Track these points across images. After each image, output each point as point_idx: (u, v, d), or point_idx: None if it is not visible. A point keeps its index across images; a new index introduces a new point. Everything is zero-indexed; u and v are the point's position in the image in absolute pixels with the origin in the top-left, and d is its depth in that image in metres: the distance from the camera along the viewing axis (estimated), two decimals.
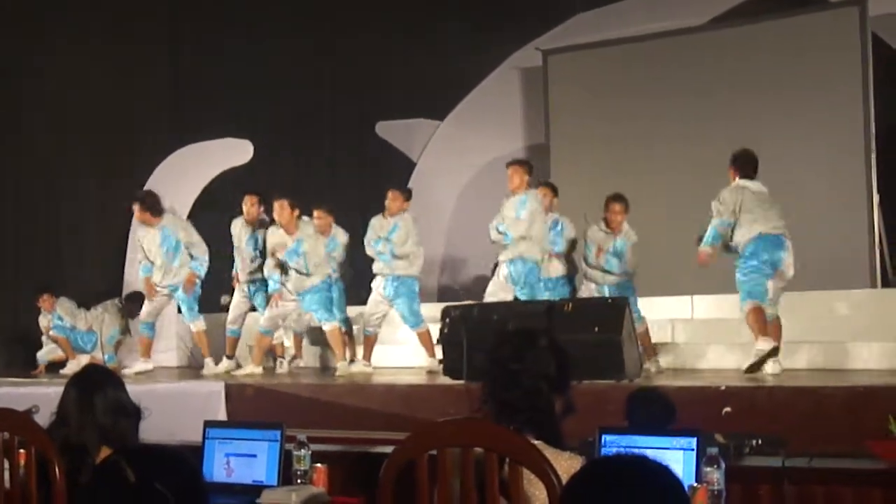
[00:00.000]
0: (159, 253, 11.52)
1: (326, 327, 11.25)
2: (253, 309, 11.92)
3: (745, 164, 9.76)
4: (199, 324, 11.78)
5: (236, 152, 14.36)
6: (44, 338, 13.14)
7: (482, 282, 13.29)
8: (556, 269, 11.12)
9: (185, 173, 14.12)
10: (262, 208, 11.79)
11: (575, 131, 14.14)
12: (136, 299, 12.89)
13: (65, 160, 14.04)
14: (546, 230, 10.75)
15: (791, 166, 12.43)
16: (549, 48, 14.51)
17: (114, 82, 14.05)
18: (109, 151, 14.19)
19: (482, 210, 14.33)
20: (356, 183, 15.61)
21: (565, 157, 13.98)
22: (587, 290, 10.63)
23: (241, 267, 11.86)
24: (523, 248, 10.40)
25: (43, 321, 13.10)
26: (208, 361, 11.69)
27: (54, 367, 12.92)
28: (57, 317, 12.95)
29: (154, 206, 11.52)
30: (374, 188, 15.57)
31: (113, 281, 13.95)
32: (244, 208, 11.83)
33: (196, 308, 11.75)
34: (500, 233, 10.51)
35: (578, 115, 14.15)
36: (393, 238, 11.03)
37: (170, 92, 14.89)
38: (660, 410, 5.67)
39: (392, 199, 11.15)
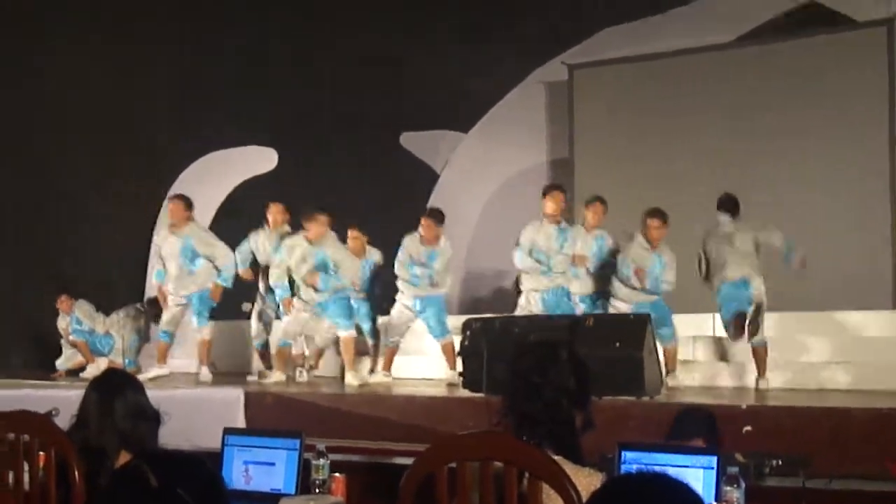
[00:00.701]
0: (176, 262, 11.45)
1: (342, 334, 11.23)
2: (278, 318, 11.94)
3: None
4: (205, 331, 11.70)
5: (261, 161, 14.40)
6: (62, 342, 13.16)
7: (503, 294, 13.30)
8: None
9: (209, 180, 14.15)
10: (287, 217, 11.79)
11: (599, 146, 14.13)
12: (157, 304, 12.91)
13: (88, 163, 14.06)
14: None
15: (814, 185, 12.43)
16: (575, 62, 14.50)
17: (118, 83, 14.07)
18: (133, 154, 14.24)
19: (505, 223, 14.33)
20: (380, 193, 15.61)
21: (589, 171, 13.97)
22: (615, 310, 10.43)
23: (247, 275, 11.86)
24: (562, 280, 10.48)
25: (62, 323, 13.12)
26: (204, 370, 11.56)
27: (73, 372, 12.94)
28: (75, 319, 12.97)
29: (191, 208, 11.53)
30: (397, 199, 15.67)
31: (134, 285, 13.98)
32: (269, 217, 11.82)
33: (206, 315, 11.70)
34: (536, 261, 10.49)
35: (603, 130, 14.14)
36: (434, 265, 11.03)
37: (191, 102, 14.90)
38: (706, 429, 5.63)
39: (426, 227, 11.11)
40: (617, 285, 10.42)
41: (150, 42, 14.58)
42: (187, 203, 11.46)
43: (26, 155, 13.87)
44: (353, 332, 11.26)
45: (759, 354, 9.98)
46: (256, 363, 12.40)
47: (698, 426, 5.66)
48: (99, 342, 13.03)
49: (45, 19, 13.75)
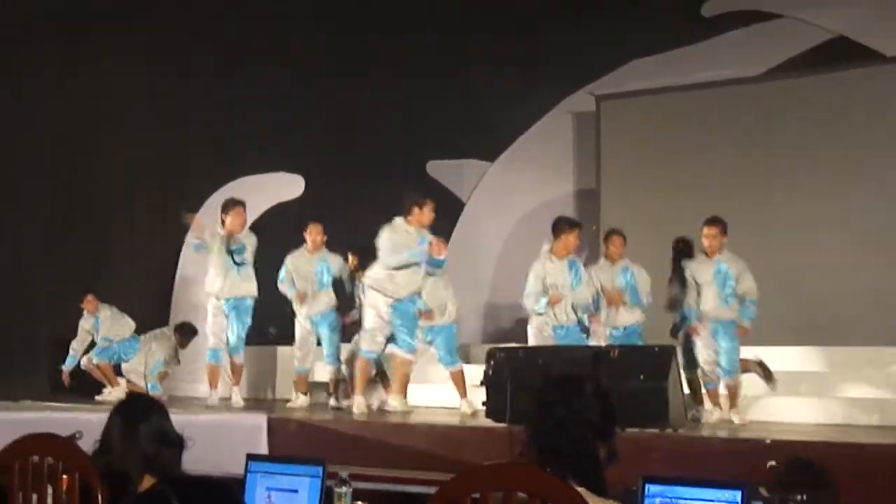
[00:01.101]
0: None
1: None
2: (318, 343, 11.98)
3: None
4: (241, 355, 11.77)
5: (288, 186, 14.44)
6: (74, 345, 13.10)
7: (526, 324, 13.28)
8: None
9: None
10: (325, 238, 11.87)
11: (626, 177, 14.11)
12: (187, 330, 12.95)
13: (115, 187, 14.14)
14: None
15: (844, 217, 12.38)
16: (603, 93, 14.51)
17: (154, 107, 14.16)
18: (160, 179, 14.32)
19: (530, 252, 14.32)
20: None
21: (615, 203, 13.95)
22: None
23: (302, 299, 11.86)
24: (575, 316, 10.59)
25: (85, 324, 13.09)
26: (236, 390, 11.62)
27: (87, 387, 12.93)
28: (97, 320, 12.96)
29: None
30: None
31: (160, 309, 14.00)
32: (308, 238, 11.86)
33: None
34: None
35: (630, 162, 14.13)
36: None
37: (218, 127, 14.97)
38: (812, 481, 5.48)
39: None
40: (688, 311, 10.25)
41: (186, 67, 14.67)
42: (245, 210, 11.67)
43: (77, 180, 13.99)
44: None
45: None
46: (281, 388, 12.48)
47: (803, 478, 5.51)
48: (123, 350, 13.00)
49: (87, 41, 13.86)
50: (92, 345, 13.08)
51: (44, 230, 13.94)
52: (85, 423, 5.02)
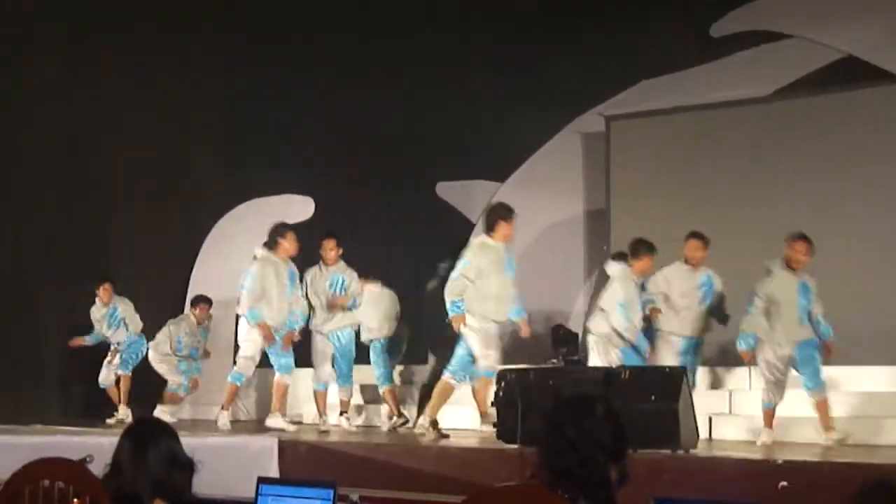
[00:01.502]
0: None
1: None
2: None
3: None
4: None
5: (298, 208, 14.46)
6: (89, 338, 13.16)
7: (536, 344, 13.26)
8: None
9: (246, 228, 14.20)
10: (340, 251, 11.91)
11: (636, 198, 14.10)
12: (197, 299, 13.26)
13: (120, 210, 14.17)
14: None
15: (853, 238, 12.35)
16: (612, 114, 14.51)
17: (167, 129, 14.21)
18: (168, 200, 14.36)
19: (540, 273, 14.35)
20: (413, 243, 15.68)
21: (625, 223, 13.92)
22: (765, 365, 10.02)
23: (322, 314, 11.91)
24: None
25: (96, 313, 13.09)
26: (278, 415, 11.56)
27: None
28: (113, 308, 12.99)
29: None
30: (432, 248, 15.69)
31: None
32: (324, 254, 11.96)
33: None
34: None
35: (640, 182, 14.11)
36: None
37: (228, 149, 15.01)
38: None
39: None
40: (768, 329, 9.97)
41: (200, 89, 14.73)
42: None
43: (81, 206, 14.02)
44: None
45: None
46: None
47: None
48: (132, 354, 13.01)
49: (88, 41, 13.92)
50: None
51: (50, 245, 13.96)
52: (96, 446, 5.01)
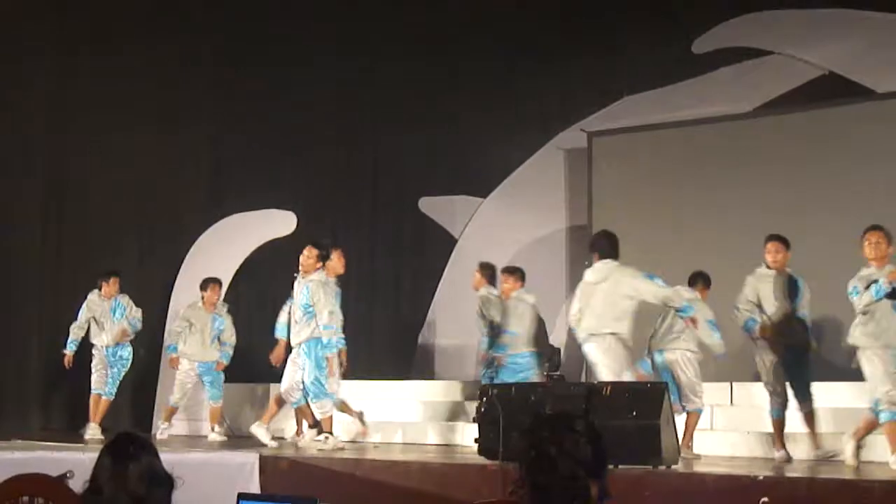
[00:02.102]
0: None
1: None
2: None
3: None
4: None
5: (279, 224, 14.45)
6: (77, 326, 12.96)
7: None
8: None
9: (228, 243, 14.20)
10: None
11: (617, 213, 14.11)
12: (204, 282, 13.11)
13: (102, 225, 14.15)
14: None
15: (835, 256, 12.37)
16: (595, 130, 14.56)
17: (153, 153, 14.20)
18: (149, 216, 14.34)
19: (523, 288, 14.35)
20: (395, 257, 15.70)
21: None
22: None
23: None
24: None
25: (95, 307, 12.90)
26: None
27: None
28: (121, 305, 12.87)
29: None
30: (413, 266, 15.72)
31: (153, 343, 13.93)
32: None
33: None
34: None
35: (621, 198, 14.15)
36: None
37: (211, 164, 15.01)
38: None
39: None
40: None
41: (182, 102, 14.72)
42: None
43: (67, 224, 14.01)
44: None
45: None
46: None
47: None
48: (119, 366, 12.94)
49: (89, 75, 13.96)
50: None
51: (33, 261, 13.94)
52: (77, 462, 5.01)
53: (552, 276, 14.78)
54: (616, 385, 9.59)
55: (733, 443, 10.61)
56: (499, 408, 9.01)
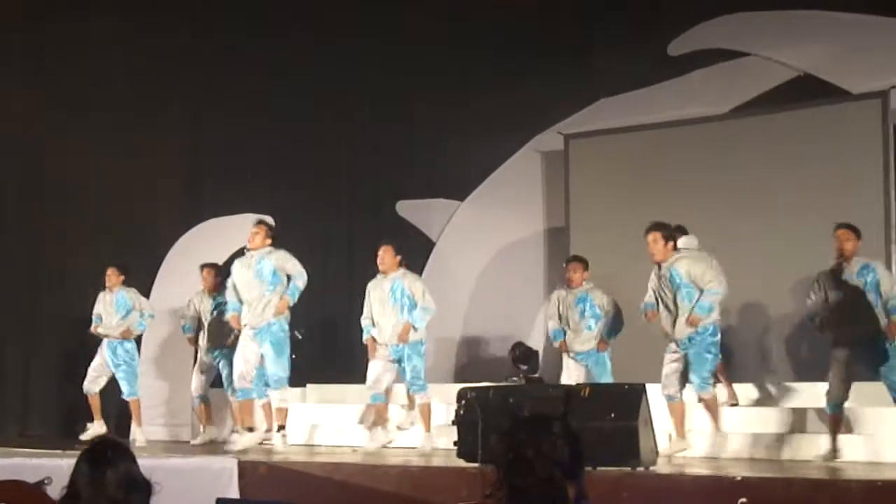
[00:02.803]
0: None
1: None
2: None
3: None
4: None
5: None
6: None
7: (499, 363, 13.30)
8: None
9: (205, 247, 14.16)
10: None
11: (595, 215, 14.16)
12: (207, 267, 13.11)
13: (79, 230, 14.10)
14: None
15: (811, 257, 12.42)
16: (571, 132, 14.57)
17: (131, 157, 14.16)
18: (129, 225, 14.29)
19: (501, 291, 14.39)
20: (372, 261, 15.68)
21: (584, 240, 13.98)
22: None
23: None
24: None
25: (99, 306, 12.67)
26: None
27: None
28: (121, 296, 12.62)
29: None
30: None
31: None
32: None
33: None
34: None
35: (598, 200, 14.18)
36: None
37: (188, 168, 14.96)
38: None
39: None
40: None
41: (170, 119, 14.69)
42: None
43: (43, 226, 13.95)
44: None
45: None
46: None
47: None
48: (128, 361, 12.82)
49: (66, 76, 13.90)
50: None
51: (9, 264, 13.88)
52: (55, 468, 4.99)
53: (530, 278, 14.81)
54: (594, 387, 9.63)
55: (712, 443, 10.61)
56: (477, 410, 9.02)
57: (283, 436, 11.36)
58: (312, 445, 12.27)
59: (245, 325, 11.20)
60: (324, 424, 12.65)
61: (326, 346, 14.66)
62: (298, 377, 12.47)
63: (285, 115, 14.77)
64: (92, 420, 12.66)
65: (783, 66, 13.61)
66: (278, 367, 11.19)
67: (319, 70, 14.83)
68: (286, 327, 11.31)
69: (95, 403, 12.68)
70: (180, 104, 14.76)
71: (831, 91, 13.15)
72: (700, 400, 10.19)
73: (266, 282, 11.17)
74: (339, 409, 13.16)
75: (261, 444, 11.43)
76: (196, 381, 12.81)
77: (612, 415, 8.78)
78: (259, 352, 11.18)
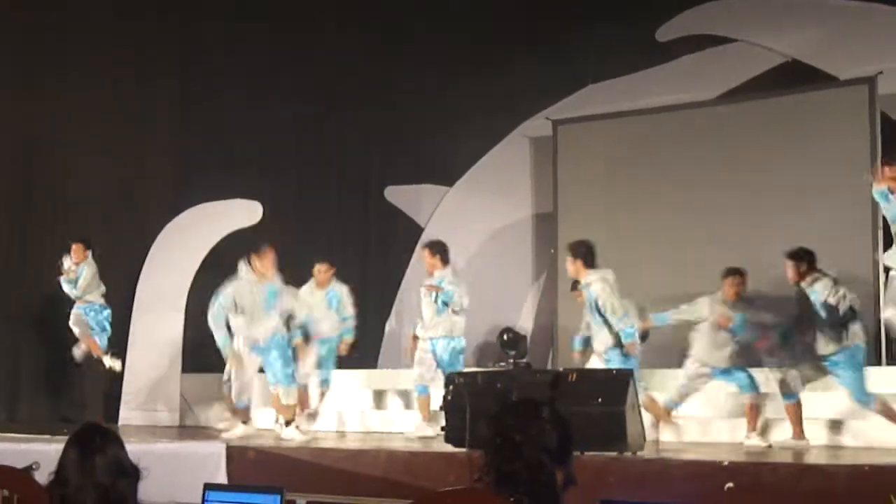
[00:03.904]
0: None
1: None
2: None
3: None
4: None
5: (246, 213, 14.39)
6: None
7: (488, 348, 13.32)
8: None
9: (193, 233, 14.14)
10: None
11: (583, 201, 14.18)
12: None
13: (70, 214, 14.06)
14: None
15: (798, 240, 12.44)
16: (560, 118, 14.58)
17: (120, 143, 14.12)
18: (117, 210, 14.25)
19: (489, 277, 14.38)
20: (363, 247, 15.71)
21: (573, 226, 13.98)
22: None
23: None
24: None
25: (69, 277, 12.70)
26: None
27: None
28: (83, 271, 12.55)
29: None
30: (380, 255, 15.71)
31: (119, 338, 13.84)
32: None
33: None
34: None
35: (586, 185, 14.20)
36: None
37: (177, 153, 14.91)
38: None
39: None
40: None
41: (159, 98, 14.66)
42: None
43: (32, 214, 13.91)
44: None
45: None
46: None
47: None
48: (99, 323, 12.72)
49: (50, 55, 13.84)
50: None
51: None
52: (42, 453, 4.99)
53: (518, 263, 14.83)
54: (582, 372, 9.64)
55: (700, 430, 10.65)
56: (465, 395, 9.04)
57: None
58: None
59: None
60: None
61: None
62: None
63: (272, 100, 14.74)
64: None
65: (771, 52, 13.64)
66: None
67: (307, 56, 14.79)
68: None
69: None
70: (167, 90, 14.71)
71: (819, 77, 13.18)
72: None
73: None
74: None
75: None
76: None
77: (600, 399, 8.80)
78: None
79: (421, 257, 11.59)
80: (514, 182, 15.18)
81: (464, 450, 8.64)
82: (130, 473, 4.14)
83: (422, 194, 15.82)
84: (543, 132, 14.74)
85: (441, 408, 9.81)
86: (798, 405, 9.81)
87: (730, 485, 7.35)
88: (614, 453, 8.51)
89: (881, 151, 12.29)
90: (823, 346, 9.64)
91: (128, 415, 13.01)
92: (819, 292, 9.72)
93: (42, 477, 4.27)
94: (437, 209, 15.67)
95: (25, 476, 4.25)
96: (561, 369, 10.24)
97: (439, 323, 11.20)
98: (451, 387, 9.51)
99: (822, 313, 9.63)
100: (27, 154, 13.98)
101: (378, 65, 14.96)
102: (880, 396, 9.66)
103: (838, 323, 9.65)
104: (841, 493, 7.30)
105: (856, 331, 9.74)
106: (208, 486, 5.04)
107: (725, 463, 7.99)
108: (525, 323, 14.02)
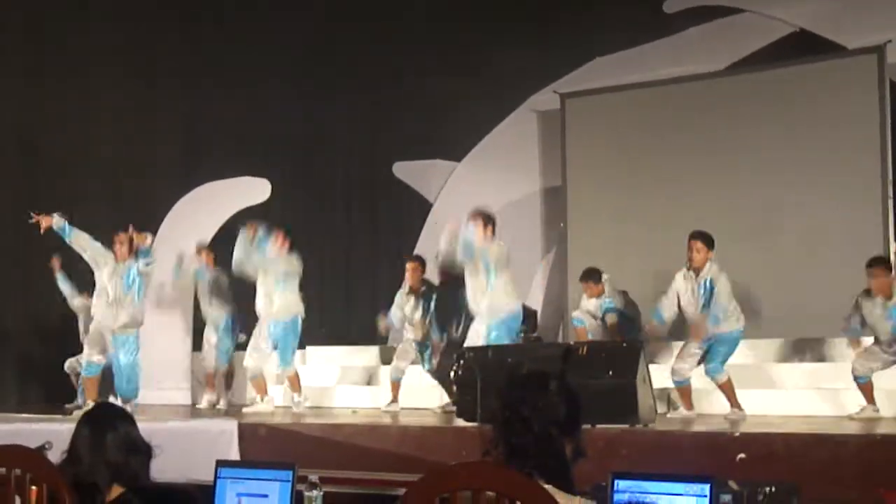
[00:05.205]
0: None
1: None
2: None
3: None
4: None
5: (254, 191, 14.39)
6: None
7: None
8: None
9: (202, 211, 14.15)
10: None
11: (591, 174, 14.15)
12: None
13: (77, 194, 14.06)
14: None
15: (808, 212, 12.45)
16: (567, 91, 14.54)
17: (129, 122, 14.13)
18: (126, 190, 14.26)
19: None
20: (372, 224, 15.71)
21: (582, 200, 14.01)
22: None
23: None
24: None
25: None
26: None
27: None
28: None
29: None
30: (389, 231, 15.70)
31: None
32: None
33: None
34: None
35: (595, 159, 14.16)
36: None
37: (185, 131, 14.91)
38: None
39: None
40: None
41: (166, 77, 14.65)
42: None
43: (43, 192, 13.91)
44: None
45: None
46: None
47: None
48: None
49: (55, 40, 13.84)
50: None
51: (4, 232, 13.84)
52: (55, 433, 5.00)
53: (527, 238, 14.80)
54: (592, 345, 9.64)
55: (709, 401, 10.64)
56: (476, 370, 9.05)
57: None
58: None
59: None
60: None
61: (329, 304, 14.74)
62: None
63: (280, 76, 14.74)
64: None
65: (779, 22, 13.59)
66: None
67: (316, 31, 14.78)
68: None
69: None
70: (175, 68, 14.69)
71: (827, 46, 13.12)
72: None
73: None
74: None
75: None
76: None
77: (611, 372, 8.80)
78: None
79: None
80: (522, 156, 15.15)
81: (475, 424, 8.67)
82: (143, 451, 4.16)
83: (430, 170, 15.80)
84: (551, 106, 14.70)
85: (451, 382, 9.83)
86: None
87: (741, 455, 7.36)
88: (626, 426, 8.51)
89: (891, 121, 12.28)
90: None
91: (140, 393, 13.00)
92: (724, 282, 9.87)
93: (55, 456, 4.28)
94: (446, 185, 15.65)
95: (38, 455, 4.25)
96: (571, 342, 10.24)
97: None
98: (461, 361, 9.52)
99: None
100: (36, 135, 13.98)
101: (386, 40, 14.91)
102: None
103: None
104: (852, 462, 7.31)
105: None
106: (221, 463, 5.06)
107: (737, 434, 8.00)
108: (535, 297, 14.00)
